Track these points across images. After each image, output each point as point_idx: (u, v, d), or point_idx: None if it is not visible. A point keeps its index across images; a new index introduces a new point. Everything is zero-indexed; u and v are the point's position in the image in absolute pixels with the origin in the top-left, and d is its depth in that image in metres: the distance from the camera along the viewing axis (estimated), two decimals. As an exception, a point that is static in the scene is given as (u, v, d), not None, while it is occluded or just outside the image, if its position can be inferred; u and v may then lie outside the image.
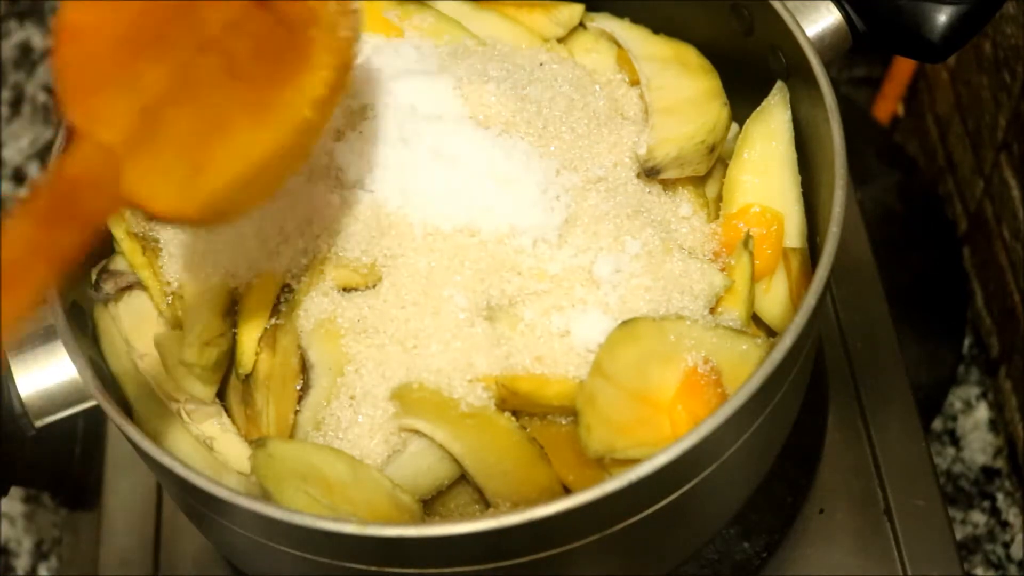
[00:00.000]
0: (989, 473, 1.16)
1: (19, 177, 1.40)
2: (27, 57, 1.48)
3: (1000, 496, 1.14)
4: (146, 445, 0.65)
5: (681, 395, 0.68)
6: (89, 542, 0.96)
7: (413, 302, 0.71)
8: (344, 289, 0.73)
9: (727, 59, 0.82)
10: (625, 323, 0.69)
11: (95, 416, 0.70)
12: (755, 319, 0.77)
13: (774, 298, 0.76)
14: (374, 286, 0.73)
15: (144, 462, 0.69)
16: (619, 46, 0.84)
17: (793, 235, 0.77)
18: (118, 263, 0.77)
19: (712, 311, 0.74)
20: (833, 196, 0.69)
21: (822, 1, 0.78)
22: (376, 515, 0.68)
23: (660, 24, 0.85)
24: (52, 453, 1.00)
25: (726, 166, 0.81)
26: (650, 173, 0.78)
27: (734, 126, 0.82)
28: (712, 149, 0.79)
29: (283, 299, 0.74)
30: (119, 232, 0.76)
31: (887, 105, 1.35)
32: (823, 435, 0.93)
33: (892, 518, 0.90)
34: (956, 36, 0.75)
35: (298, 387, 0.73)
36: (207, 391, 0.73)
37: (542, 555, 0.64)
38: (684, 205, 0.79)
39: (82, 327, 0.74)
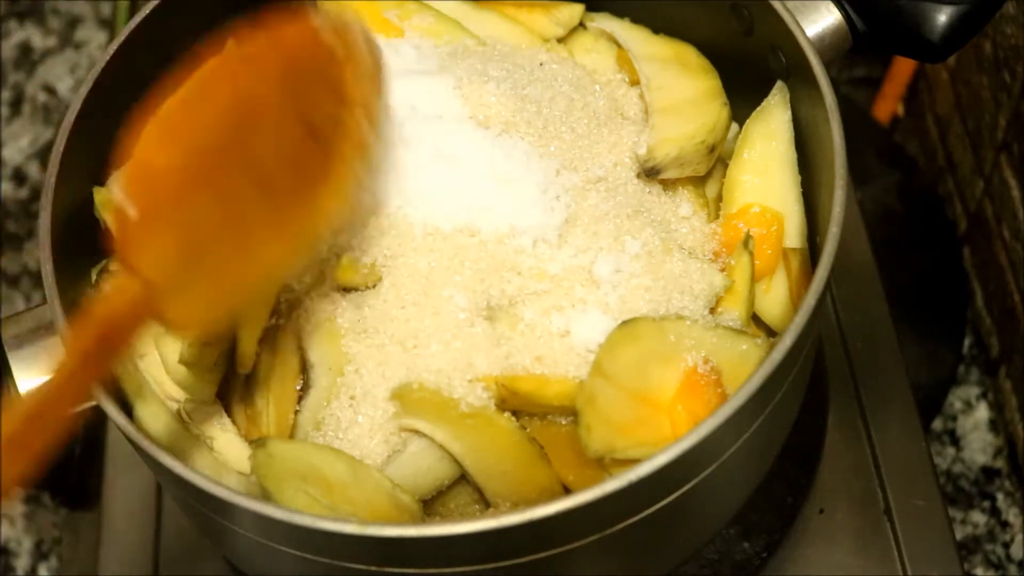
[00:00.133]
0: (989, 473, 1.16)
1: (19, 177, 1.40)
2: (27, 57, 1.48)
3: (1000, 496, 1.14)
4: (146, 445, 0.65)
5: (681, 395, 0.68)
6: (89, 542, 0.96)
7: (413, 302, 0.71)
8: (344, 289, 0.73)
9: (727, 59, 0.82)
10: (625, 323, 0.69)
11: (95, 416, 0.70)
12: (755, 319, 0.76)
13: (774, 298, 0.76)
14: (374, 286, 0.73)
15: (144, 462, 0.69)
16: (619, 46, 0.84)
17: (793, 235, 0.77)
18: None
19: (712, 311, 0.74)
20: (833, 196, 0.69)
21: (822, 1, 0.78)
22: (376, 515, 0.68)
23: (660, 24, 0.85)
24: (51, 451, 0.99)
25: (726, 166, 0.81)
26: (650, 173, 0.78)
27: (734, 126, 0.82)
28: (712, 149, 0.79)
29: (283, 299, 0.74)
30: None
31: (887, 105, 1.35)
32: (823, 435, 0.93)
33: (892, 518, 0.90)
34: (956, 36, 0.75)
35: (298, 387, 0.74)
36: (207, 391, 0.73)
37: (542, 555, 0.64)
38: (684, 205, 0.79)
39: (82, 327, 0.74)
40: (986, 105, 1.14)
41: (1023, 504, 1.13)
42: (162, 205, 0.58)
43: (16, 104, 1.45)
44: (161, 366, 0.73)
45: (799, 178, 0.78)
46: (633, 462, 0.62)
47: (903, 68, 1.31)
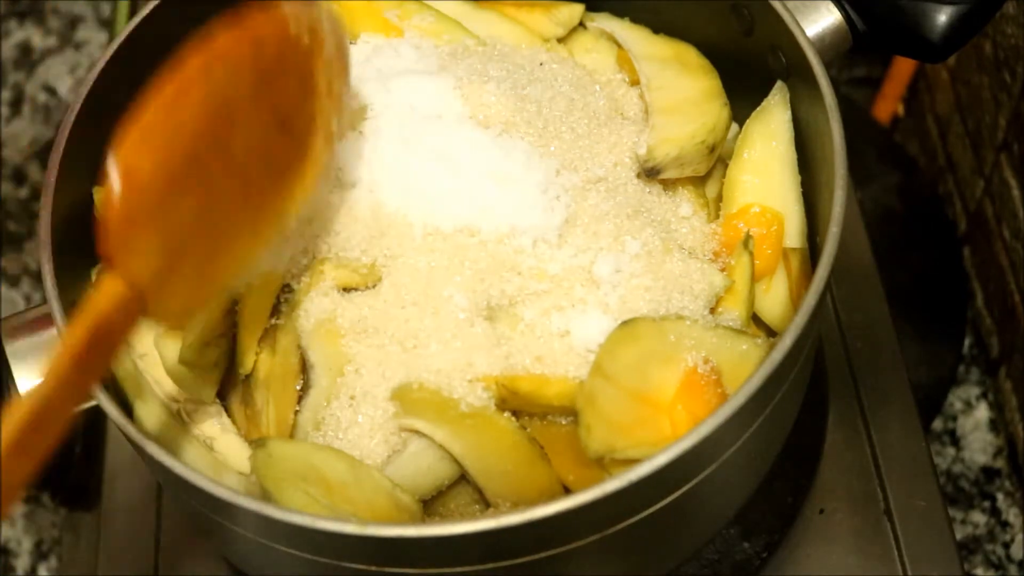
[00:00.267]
0: (989, 473, 1.16)
1: (19, 177, 1.40)
2: (27, 57, 1.48)
3: (1000, 496, 1.14)
4: (146, 445, 0.65)
5: (681, 395, 0.68)
6: (89, 542, 0.96)
7: (413, 302, 0.71)
8: (344, 289, 0.73)
9: (727, 59, 0.82)
10: (625, 323, 0.69)
11: (95, 416, 0.70)
12: (755, 319, 0.76)
13: (774, 298, 0.76)
14: (374, 286, 0.73)
15: (144, 462, 0.69)
16: (619, 46, 0.84)
17: (793, 235, 0.77)
18: (118, 263, 0.77)
19: (712, 311, 0.74)
20: (833, 196, 0.69)
21: (822, 1, 0.78)
22: (376, 515, 0.68)
23: (660, 24, 0.85)
24: (52, 453, 0.99)
25: (726, 166, 0.81)
26: (650, 173, 0.78)
27: (734, 126, 0.82)
28: (712, 149, 0.79)
29: (283, 299, 0.74)
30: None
31: (887, 105, 1.35)
32: (823, 435, 0.93)
33: (892, 518, 0.90)
34: (956, 36, 0.75)
35: (298, 387, 0.74)
36: (207, 391, 0.73)
37: (542, 555, 0.64)
38: (684, 205, 0.79)
39: (82, 327, 0.74)
40: (986, 105, 1.14)
41: (1023, 504, 1.13)
42: (145, 208, 0.59)
43: (16, 104, 1.45)
44: (161, 366, 0.73)
45: (799, 178, 0.78)
46: (633, 462, 0.62)
47: (903, 68, 1.31)
